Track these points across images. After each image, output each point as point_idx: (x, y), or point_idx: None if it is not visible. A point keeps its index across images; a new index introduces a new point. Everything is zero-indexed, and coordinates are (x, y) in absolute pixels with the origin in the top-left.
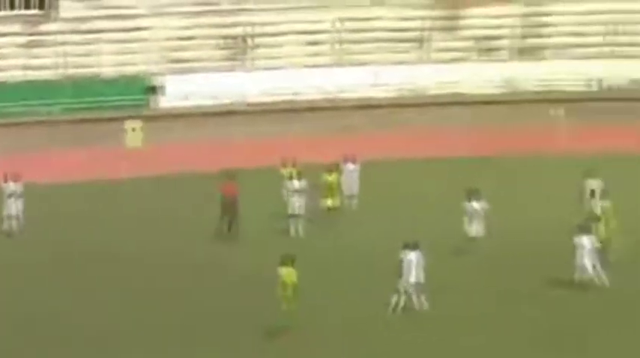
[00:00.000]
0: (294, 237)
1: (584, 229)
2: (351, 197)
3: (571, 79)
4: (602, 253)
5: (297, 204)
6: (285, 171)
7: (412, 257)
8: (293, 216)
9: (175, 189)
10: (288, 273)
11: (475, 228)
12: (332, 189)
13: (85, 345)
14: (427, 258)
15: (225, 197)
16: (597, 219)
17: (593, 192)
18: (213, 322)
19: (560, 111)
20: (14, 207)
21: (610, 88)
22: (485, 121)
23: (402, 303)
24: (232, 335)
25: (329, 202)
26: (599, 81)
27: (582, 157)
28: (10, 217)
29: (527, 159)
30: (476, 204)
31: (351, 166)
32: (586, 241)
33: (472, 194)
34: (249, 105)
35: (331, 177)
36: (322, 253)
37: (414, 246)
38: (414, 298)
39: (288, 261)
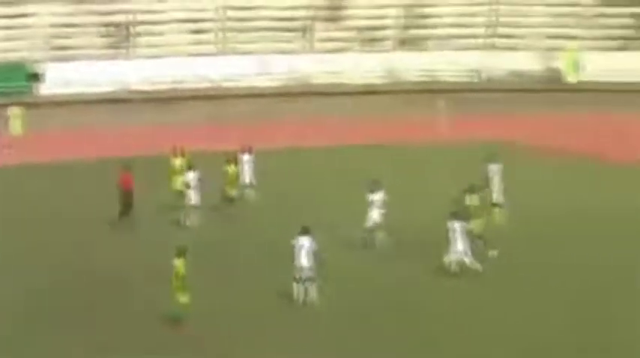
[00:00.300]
0: (190, 227)
1: (457, 215)
2: (247, 186)
3: (452, 69)
4: (477, 239)
5: (192, 194)
6: (176, 161)
7: (303, 242)
8: (188, 207)
9: (57, 177)
10: (181, 265)
11: (374, 218)
12: (232, 180)
13: None
14: (321, 246)
15: (121, 188)
16: (478, 208)
17: (491, 178)
18: (108, 313)
19: (441, 101)
20: None
21: (490, 79)
22: (368, 111)
23: (302, 292)
24: (128, 325)
25: (231, 192)
26: (479, 72)
27: (463, 146)
28: None
29: (410, 148)
30: (376, 195)
31: (246, 156)
32: (457, 226)
33: (373, 185)
34: (130, 93)
35: (231, 168)
36: (219, 243)
37: (304, 232)
38: (308, 286)
39: (182, 252)
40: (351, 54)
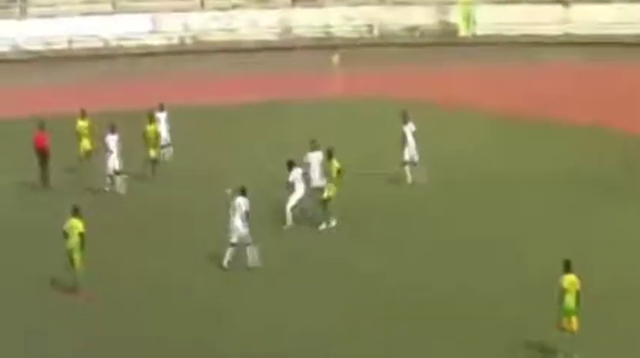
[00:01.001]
0: (114, 192)
1: (241, 191)
2: (165, 146)
3: (347, 24)
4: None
5: (111, 159)
6: (80, 123)
7: (240, 203)
8: (114, 173)
9: None
10: (74, 224)
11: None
12: (154, 140)
13: None
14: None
15: (37, 148)
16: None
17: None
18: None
19: (335, 57)
20: None
21: (383, 34)
22: (262, 68)
23: (229, 256)
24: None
25: (152, 153)
26: (372, 27)
27: (356, 102)
28: None
29: (302, 103)
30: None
31: (161, 115)
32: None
33: (314, 146)
34: (23, 52)
35: (151, 128)
36: (141, 207)
37: (242, 192)
38: (247, 250)
39: (76, 211)
40: (246, 10)
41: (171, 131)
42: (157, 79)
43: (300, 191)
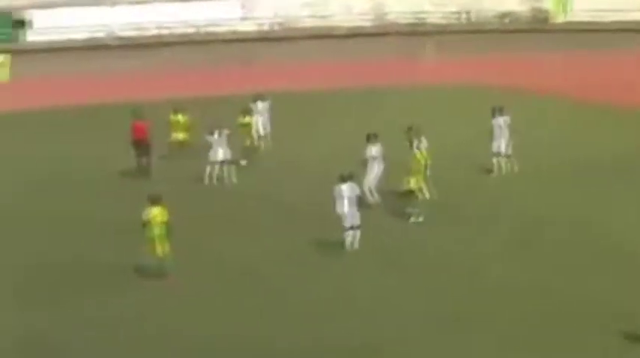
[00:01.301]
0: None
1: (345, 178)
2: (264, 137)
3: (439, 10)
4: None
5: (220, 149)
6: (176, 118)
7: (344, 188)
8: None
9: (43, 124)
10: (158, 213)
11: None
12: (249, 130)
13: None
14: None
15: (134, 137)
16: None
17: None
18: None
19: (428, 43)
20: None
21: (475, 21)
22: (355, 54)
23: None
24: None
25: (247, 142)
26: (464, 13)
27: (447, 89)
28: None
29: (396, 90)
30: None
31: (262, 104)
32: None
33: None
34: (115, 39)
35: (246, 119)
36: (239, 196)
37: (348, 178)
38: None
39: (156, 199)
40: None
41: (270, 120)
42: (249, 66)
43: (374, 169)
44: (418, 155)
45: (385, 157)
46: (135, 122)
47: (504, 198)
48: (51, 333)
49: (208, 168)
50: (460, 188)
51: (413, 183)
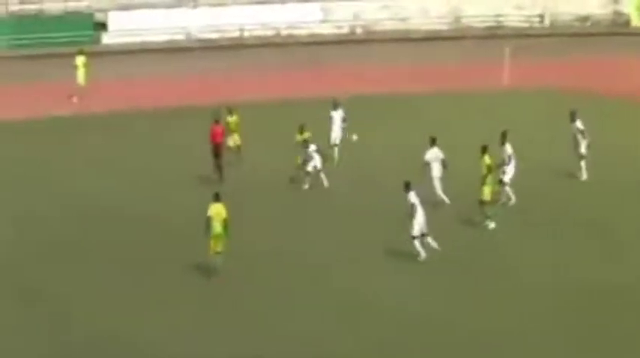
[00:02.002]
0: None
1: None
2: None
3: (517, 14)
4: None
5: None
6: (230, 119)
7: (409, 197)
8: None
9: (120, 126)
10: (217, 210)
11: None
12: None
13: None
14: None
15: (213, 142)
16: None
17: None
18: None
19: (506, 47)
20: None
21: (554, 24)
22: (432, 57)
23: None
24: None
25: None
26: (543, 16)
27: (525, 92)
28: None
29: (473, 94)
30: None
31: (336, 113)
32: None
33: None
34: (194, 41)
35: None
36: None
37: (407, 187)
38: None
39: (216, 197)
40: (417, 0)
41: (346, 127)
42: (328, 68)
43: (435, 170)
44: (487, 161)
45: (445, 161)
46: (213, 126)
47: (580, 204)
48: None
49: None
50: (538, 192)
51: (487, 193)
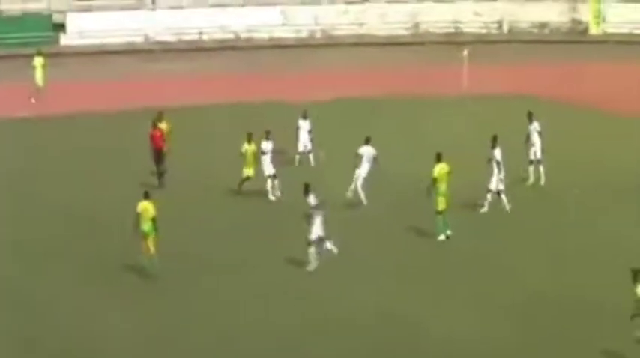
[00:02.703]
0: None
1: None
2: (307, 152)
3: (475, 20)
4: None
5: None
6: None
7: None
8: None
9: (78, 128)
10: (145, 208)
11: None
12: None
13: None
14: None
15: (152, 145)
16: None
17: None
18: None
19: (464, 52)
20: None
21: (512, 31)
22: (391, 62)
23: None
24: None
25: (248, 171)
26: (501, 23)
27: (484, 98)
28: None
29: (431, 99)
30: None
31: (303, 122)
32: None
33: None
34: (153, 43)
35: (250, 147)
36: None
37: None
38: None
39: (145, 195)
40: (376, 4)
41: (312, 137)
42: (284, 72)
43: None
44: (438, 170)
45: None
46: (153, 130)
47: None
48: None
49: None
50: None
51: (442, 204)
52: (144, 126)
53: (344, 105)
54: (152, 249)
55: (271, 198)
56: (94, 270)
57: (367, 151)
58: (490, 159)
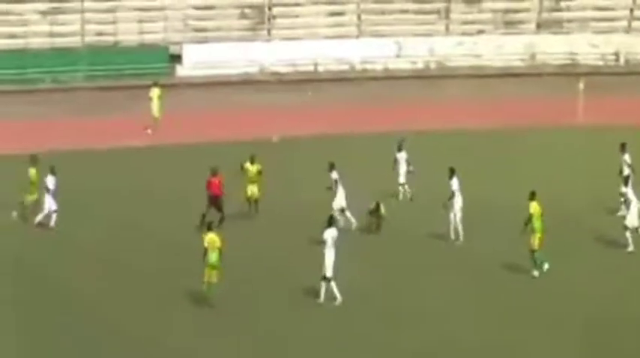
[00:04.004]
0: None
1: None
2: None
3: (592, 52)
4: None
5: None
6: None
7: None
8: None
9: (194, 158)
10: (211, 239)
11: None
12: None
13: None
14: None
15: (210, 194)
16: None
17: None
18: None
19: (580, 84)
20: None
21: (628, 62)
22: (507, 93)
23: None
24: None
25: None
26: (618, 55)
27: (601, 130)
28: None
29: (546, 131)
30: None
31: (400, 155)
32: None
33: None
34: (268, 74)
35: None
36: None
37: None
38: None
39: (209, 226)
40: (491, 36)
41: (411, 170)
42: (402, 104)
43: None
44: (531, 209)
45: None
46: (210, 179)
47: None
48: None
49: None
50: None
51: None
52: (259, 155)
53: (458, 136)
54: (215, 279)
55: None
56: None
57: (456, 184)
58: (621, 195)
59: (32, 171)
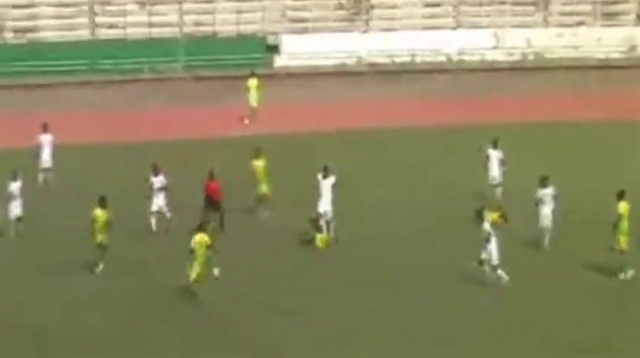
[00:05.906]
0: None
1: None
2: (496, 185)
3: None
4: None
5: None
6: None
7: None
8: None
9: (292, 147)
10: (201, 238)
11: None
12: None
13: None
14: None
15: (208, 196)
16: None
17: None
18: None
19: None
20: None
21: None
22: (606, 85)
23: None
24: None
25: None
26: None
27: None
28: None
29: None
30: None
31: (494, 152)
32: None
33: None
34: (365, 65)
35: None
36: None
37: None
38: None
39: (201, 226)
40: (591, 28)
41: (505, 169)
42: (497, 95)
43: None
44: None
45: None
46: (208, 182)
47: None
48: None
49: None
50: None
51: (622, 242)
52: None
53: (558, 129)
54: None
55: None
56: None
57: (544, 193)
58: None
59: (98, 213)
